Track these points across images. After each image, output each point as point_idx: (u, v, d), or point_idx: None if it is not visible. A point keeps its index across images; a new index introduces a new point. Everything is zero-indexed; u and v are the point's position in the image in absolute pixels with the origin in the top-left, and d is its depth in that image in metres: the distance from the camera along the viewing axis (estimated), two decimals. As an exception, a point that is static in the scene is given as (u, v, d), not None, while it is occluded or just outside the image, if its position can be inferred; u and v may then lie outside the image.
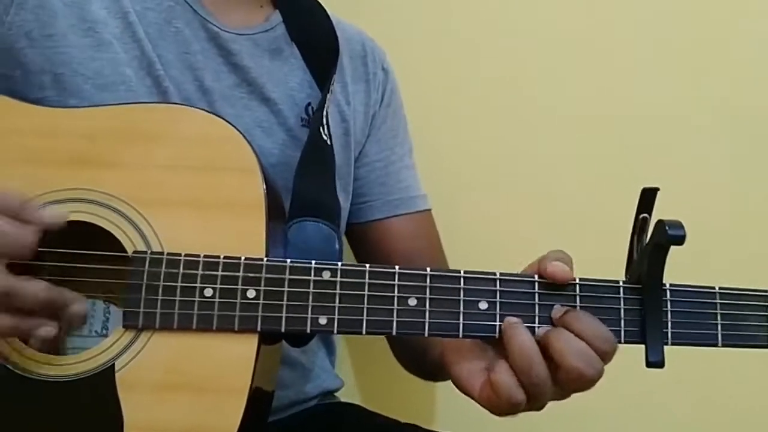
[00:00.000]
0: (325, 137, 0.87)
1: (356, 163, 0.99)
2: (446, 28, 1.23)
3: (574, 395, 0.69)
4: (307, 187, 0.82)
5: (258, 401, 0.72)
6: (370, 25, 1.05)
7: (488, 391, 0.68)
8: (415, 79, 1.10)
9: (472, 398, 0.71)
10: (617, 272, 0.71)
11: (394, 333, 0.69)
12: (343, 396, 1.05)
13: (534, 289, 0.70)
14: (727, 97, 1.20)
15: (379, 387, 1.22)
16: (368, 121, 1.00)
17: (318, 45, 0.94)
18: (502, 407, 0.68)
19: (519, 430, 0.83)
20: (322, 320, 0.69)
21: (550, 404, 0.71)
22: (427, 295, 0.69)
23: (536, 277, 0.70)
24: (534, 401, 0.67)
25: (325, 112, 0.89)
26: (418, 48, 1.21)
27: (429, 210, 1.03)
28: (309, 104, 0.92)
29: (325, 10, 0.98)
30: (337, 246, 0.80)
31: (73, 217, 0.71)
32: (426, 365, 0.94)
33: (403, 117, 1.05)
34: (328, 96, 0.90)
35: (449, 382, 0.74)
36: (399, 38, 1.12)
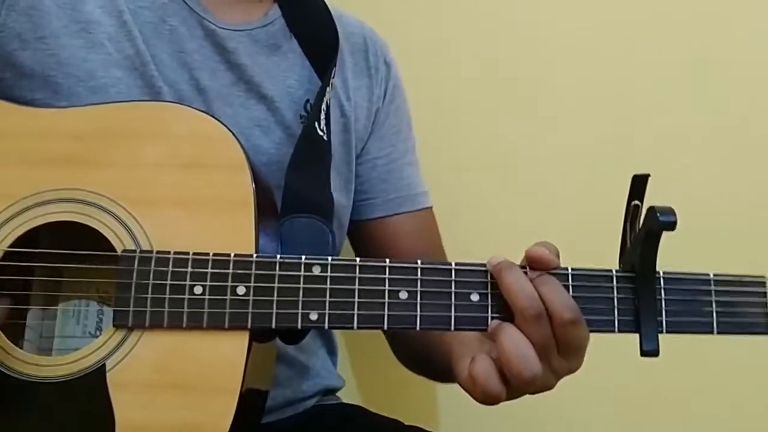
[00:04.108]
0: (320, 132, 0.86)
1: (358, 159, 0.98)
2: (446, 23, 1.24)
3: (572, 392, 0.68)
4: (300, 183, 0.81)
5: (251, 400, 0.72)
6: (370, 18, 1.04)
7: (469, 379, 0.68)
8: (415, 71, 1.09)
9: (461, 386, 0.70)
10: (613, 263, 0.71)
11: (385, 327, 0.68)
12: (343, 396, 1.04)
13: (525, 279, 0.68)
14: (720, 87, 1.20)
15: (379, 388, 1.21)
16: (371, 117, 0.98)
17: (318, 37, 0.93)
18: (477, 397, 0.68)
19: (518, 430, 0.83)
20: (313, 316, 0.68)
21: (547, 399, 0.70)
22: (419, 288, 0.69)
23: (528, 268, 0.69)
24: (518, 393, 0.67)
25: (324, 106, 0.88)
26: (419, 40, 1.21)
27: (430, 207, 1.02)
28: (307, 101, 0.91)
29: (324, 2, 0.97)
30: (330, 242, 0.79)
31: (63, 217, 0.71)
32: (433, 368, 0.94)
33: (406, 112, 1.04)
34: (328, 90, 0.89)
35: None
36: (399, 30, 1.12)
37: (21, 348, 0.70)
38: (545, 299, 0.66)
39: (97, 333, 0.76)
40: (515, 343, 0.65)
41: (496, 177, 1.22)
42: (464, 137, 1.22)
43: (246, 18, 0.91)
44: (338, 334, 1.05)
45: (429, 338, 0.89)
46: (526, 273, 0.68)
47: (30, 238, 0.71)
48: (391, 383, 1.10)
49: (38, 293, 0.76)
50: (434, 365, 0.88)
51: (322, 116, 0.87)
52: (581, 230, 1.12)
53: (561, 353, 0.67)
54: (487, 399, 0.67)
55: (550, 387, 0.68)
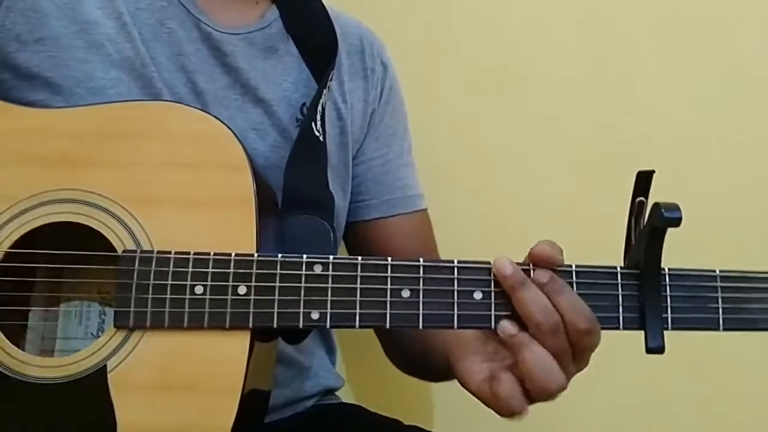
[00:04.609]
0: (317, 133, 0.86)
1: (354, 160, 0.97)
2: (445, 23, 1.23)
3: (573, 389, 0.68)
4: (298, 182, 0.81)
5: (252, 400, 0.72)
6: (368, 18, 1.04)
7: (488, 392, 0.68)
8: (413, 71, 1.09)
9: (469, 391, 0.70)
10: (618, 260, 0.70)
11: (387, 326, 0.68)
12: (341, 395, 1.04)
13: (529, 277, 0.68)
14: (722, 83, 1.20)
15: (377, 387, 1.21)
16: (367, 118, 0.98)
17: (315, 39, 0.92)
18: (502, 413, 0.68)
19: (516, 429, 0.82)
20: (315, 315, 0.68)
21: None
22: (421, 287, 0.68)
23: (531, 265, 0.68)
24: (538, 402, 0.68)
25: (320, 108, 0.87)
26: (417, 41, 1.21)
27: (425, 209, 1.02)
28: (304, 104, 0.90)
29: (322, 4, 0.96)
30: (331, 240, 0.79)
31: (63, 218, 0.71)
32: (429, 369, 0.93)
33: (402, 113, 1.03)
34: (324, 92, 0.89)
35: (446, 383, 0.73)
36: (397, 30, 1.12)
37: (22, 349, 0.70)
38: (560, 310, 0.66)
39: (99, 334, 0.76)
40: (539, 358, 0.66)
41: (497, 177, 1.21)
42: (463, 137, 1.22)
43: (243, 20, 0.91)
44: (336, 333, 1.05)
45: (426, 339, 0.88)
46: (530, 273, 0.67)
47: (31, 239, 0.71)
48: (389, 382, 1.10)
49: (40, 294, 0.76)
50: (431, 366, 0.88)
51: (318, 117, 0.87)
52: (585, 227, 1.11)
53: (575, 359, 0.67)
54: (510, 414, 0.68)
55: (562, 390, 0.68)
